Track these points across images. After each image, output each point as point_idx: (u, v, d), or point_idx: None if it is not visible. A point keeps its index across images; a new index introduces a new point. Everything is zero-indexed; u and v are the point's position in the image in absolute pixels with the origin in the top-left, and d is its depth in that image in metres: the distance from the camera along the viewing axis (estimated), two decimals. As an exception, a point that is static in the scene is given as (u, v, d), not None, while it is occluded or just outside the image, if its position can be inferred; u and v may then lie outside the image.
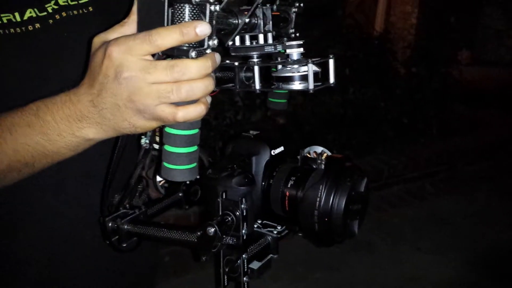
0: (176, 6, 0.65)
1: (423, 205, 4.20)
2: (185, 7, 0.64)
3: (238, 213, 0.82)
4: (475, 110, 5.74)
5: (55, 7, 0.95)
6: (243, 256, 0.84)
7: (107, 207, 0.88)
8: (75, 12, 0.97)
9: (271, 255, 0.91)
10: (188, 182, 1.00)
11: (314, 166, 0.91)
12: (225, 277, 0.86)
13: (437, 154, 4.75)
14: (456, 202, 4.19)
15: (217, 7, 0.66)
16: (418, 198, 4.30)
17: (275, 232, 0.92)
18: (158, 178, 0.96)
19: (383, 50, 4.97)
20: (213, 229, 0.79)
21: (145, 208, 0.91)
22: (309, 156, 0.95)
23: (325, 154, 0.94)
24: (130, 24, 0.72)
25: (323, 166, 0.90)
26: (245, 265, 0.85)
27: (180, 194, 1.00)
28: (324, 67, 0.81)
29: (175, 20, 0.65)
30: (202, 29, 0.64)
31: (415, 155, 4.64)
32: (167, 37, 0.64)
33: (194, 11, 0.64)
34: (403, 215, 4.00)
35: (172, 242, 0.86)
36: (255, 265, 0.87)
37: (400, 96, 4.79)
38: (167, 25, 0.66)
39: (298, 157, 0.95)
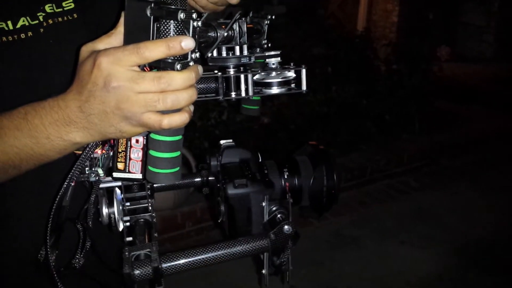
0: (162, 22, 0.69)
1: (407, 199, 4.25)
2: (171, 23, 0.69)
3: (287, 207, 0.89)
4: (456, 105, 5.83)
5: (44, 14, 0.96)
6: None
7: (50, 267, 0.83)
8: (60, 19, 0.99)
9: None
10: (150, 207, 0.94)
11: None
12: (268, 276, 0.90)
13: (420, 149, 4.83)
14: (439, 196, 4.26)
15: (199, 23, 0.71)
16: (402, 193, 4.36)
17: None
18: (117, 214, 0.89)
19: (364, 48, 5.04)
20: (289, 226, 0.84)
21: (155, 241, 0.84)
22: None
23: None
24: (117, 35, 0.76)
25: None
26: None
27: (142, 220, 0.91)
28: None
29: (161, 35, 0.69)
30: (187, 43, 0.69)
31: (398, 151, 4.71)
32: (154, 50, 0.69)
33: (179, 27, 0.69)
34: (387, 210, 4.05)
35: (242, 255, 0.85)
36: None
37: (382, 93, 4.86)
38: (153, 39, 0.70)
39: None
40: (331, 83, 4.59)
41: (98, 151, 0.85)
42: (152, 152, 0.75)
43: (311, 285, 3.15)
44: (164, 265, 0.80)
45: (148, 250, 0.80)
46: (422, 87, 5.10)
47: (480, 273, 3.22)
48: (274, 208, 0.90)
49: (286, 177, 0.97)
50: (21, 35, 0.93)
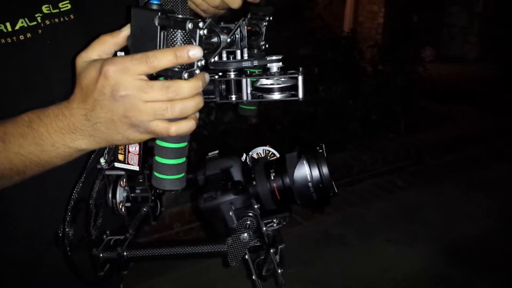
0: (169, 31, 0.70)
1: (393, 198, 4.30)
2: (178, 32, 0.70)
3: (254, 214, 0.89)
4: (440, 105, 5.90)
5: (41, 15, 0.96)
6: (272, 250, 0.92)
7: (64, 241, 0.87)
8: (56, 20, 0.98)
9: (279, 246, 0.98)
10: (153, 198, 1.01)
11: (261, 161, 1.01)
12: (259, 281, 0.92)
13: (405, 148, 4.88)
14: (425, 194, 4.31)
15: (205, 31, 0.72)
16: (388, 192, 4.40)
17: (275, 225, 0.99)
18: (118, 199, 0.95)
19: (351, 49, 5.08)
20: (246, 234, 0.86)
21: (133, 231, 0.92)
22: (255, 157, 1.04)
23: (270, 153, 1.04)
24: (110, 43, 0.76)
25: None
26: (275, 258, 0.92)
27: (145, 210, 0.99)
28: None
29: (168, 43, 0.71)
30: (195, 52, 0.70)
31: (384, 150, 4.76)
32: (162, 59, 0.70)
33: (186, 36, 0.70)
34: (374, 209, 4.09)
35: (198, 256, 0.90)
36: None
37: (368, 94, 4.90)
38: (160, 47, 0.71)
39: (247, 160, 1.03)
40: (318, 83, 4.62)
41: None
42: (158, 159, 0.76)
43: (298, 283, 3.16)
44: (127, 253, 0.87)
45: (123, 236, 0.88)
46: (407, 88, 5.16)
47: (466, 270, 3.27)
48: (250, 214, 0.90)
49: (273, 178, 0.96)
50: (20, 36, 0.93)
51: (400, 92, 5.08)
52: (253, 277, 0.92)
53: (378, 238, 3.65)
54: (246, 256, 0.89)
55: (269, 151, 1.04)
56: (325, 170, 0.94)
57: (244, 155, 1.03)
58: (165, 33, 0.70)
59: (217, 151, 1.02)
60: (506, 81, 6.77)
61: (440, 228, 3.76)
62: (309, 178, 0.94)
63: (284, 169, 0.96)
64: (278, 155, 1.04)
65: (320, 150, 0.96)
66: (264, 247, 0.92)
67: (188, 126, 0.75)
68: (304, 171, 0.94)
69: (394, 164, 4.73)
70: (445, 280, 3.20)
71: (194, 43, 0.71)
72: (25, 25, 0.94)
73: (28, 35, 0.94)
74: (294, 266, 3.29)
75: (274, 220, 0.99)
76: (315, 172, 0.94)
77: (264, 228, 0.91)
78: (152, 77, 0.73)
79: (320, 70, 4.63)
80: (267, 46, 0.96)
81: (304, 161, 0.94)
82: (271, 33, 0.98)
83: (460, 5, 8.24)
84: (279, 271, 0.92)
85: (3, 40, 0.91)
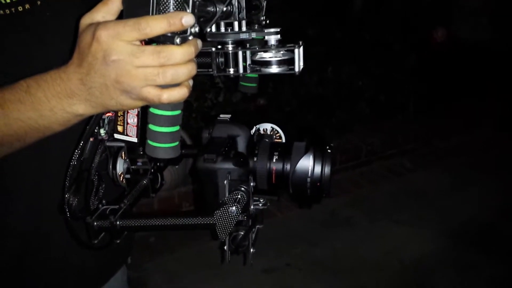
0: None
1: (401, 180, 4.30)
2: None
3: (248, 190, 0.89)
4: (450, 86, 5.83)
5: None
6: (253, 229, 0.92)
7: (66, 208, 0.87)
8: None
9: (258, 226, 0.98)
10: (152, 170, 1.01)
11: (267, 140, 1.00)
12: (229, 253, 0.92)
13: (414, 130, 4.85)
14: (433, 177, 4.30)
15: None
16: (396, 174, 4.40)
17: (260, 205, 0.98)
18: (118, 171, 0.96)
19: (360, 29, 5.02)
20: (234, 208, 0.85)
21: (128, 202, 0.93)
22: (261, 132, 1.03)
23: (277, 132, 1.03)
24: (114, 2, 0.75)
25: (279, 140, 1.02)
26: (252, 237, 0.92)
27: (144, 182, 1.00)
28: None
29: (161, 8, 0.70)
30: (187, 19, 0.69)
31: (393, 132, 4.74)
32: (155, 26, 0.69)
33: (179, 1, 0.69)
34: (381, 191, 4.09)
35: (187, 228, 0.89)
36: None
37: (376, 75, 4.86)
38: (153, 12, 0.70)
39: (252, 133, 1.02)
40: (326, 64, 4.59)
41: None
42: (152, 126, 0.76)
43: (305, 263, 3.19)
44: (119, 222, 0.88)
45: (117, 206, 0.89)
46: (417, 69, 5.10)
47: (473, 253, 3.26)
48: (242, 188, 0.89)
49: (274, 161, 0.95)
50: (19, 8, 0.92)
51: (410, 73, 5.02)
52: (225, 247, 0.92)
53: (386, 219, 3.65)
54: None
55: (277, 131, 1.03)
56: (327, 170, 0.94)
57: (254, 128, 1.03)
58: None
59: (229, 115, 1.01)
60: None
61: (448, 210, 3.75)
62: (309, 173, 0.93)
63: (288, 156, 0.95)
64: (283, 137, 1.03)
65: (329, 150, 0.95)
66: (245, 224, 0.92)
67: (180, 93, 0.74)
68: (307, 165, 0.93)
69: (403, 147, 4.70)
70: (453, 263, 3.20)
71: (188, 9, 0.70)
72: None
73: (27, 6, 0.93)
74: (301, 245, 3.32)
75: (261, 200, 0.98)
76: (317, 169, 0.93)
77: (252, 206, 0.90)
78: (145, 42, 0.73)
79: (329, 50, 4.58)
80: (267, 21, 0.94)
81: (311, 156, 0.94)
82: (278, 14, 0.97)
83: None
84: (252, 250, 0.93)
85: (1, 11, 0.91)
